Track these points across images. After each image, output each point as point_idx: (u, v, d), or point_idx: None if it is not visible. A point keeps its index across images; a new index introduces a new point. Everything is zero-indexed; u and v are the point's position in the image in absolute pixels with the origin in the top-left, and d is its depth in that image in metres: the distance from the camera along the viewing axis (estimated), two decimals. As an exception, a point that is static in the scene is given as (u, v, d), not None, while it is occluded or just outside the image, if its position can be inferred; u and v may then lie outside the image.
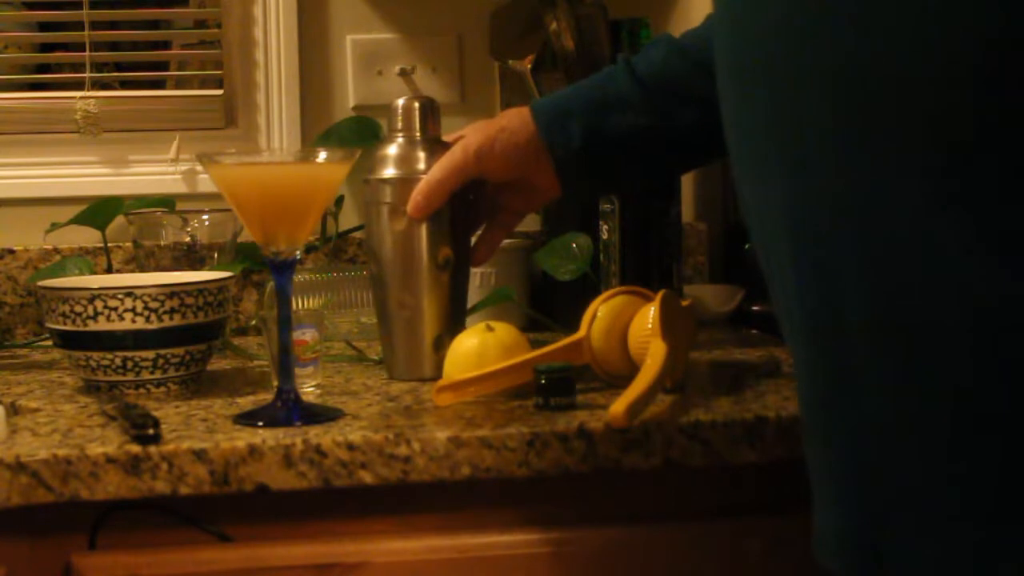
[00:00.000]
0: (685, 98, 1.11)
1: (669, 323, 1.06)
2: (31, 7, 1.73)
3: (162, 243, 1.41)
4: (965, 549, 0.70)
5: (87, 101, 1.60)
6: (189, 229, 1.41)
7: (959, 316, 0.67)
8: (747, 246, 1.48)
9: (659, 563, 1.03)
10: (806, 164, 0.73)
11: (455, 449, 0.97)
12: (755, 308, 1.47)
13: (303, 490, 0.96)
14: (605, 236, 1.37)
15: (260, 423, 1.00)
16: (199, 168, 1.59)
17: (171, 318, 1.13)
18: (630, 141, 1.12)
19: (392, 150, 1.18)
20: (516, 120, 1.13)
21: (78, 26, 1.63)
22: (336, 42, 1.64)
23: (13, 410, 1.13)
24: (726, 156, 0.85)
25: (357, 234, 1.59)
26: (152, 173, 1.61)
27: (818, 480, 0.80)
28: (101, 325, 1.12)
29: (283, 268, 1.04)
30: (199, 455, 0.94)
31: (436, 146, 1.18)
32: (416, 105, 1.18)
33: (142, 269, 1.41)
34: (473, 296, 1.28)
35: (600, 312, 1.11)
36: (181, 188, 1.60)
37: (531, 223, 1.39)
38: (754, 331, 1.44)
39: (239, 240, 1.44)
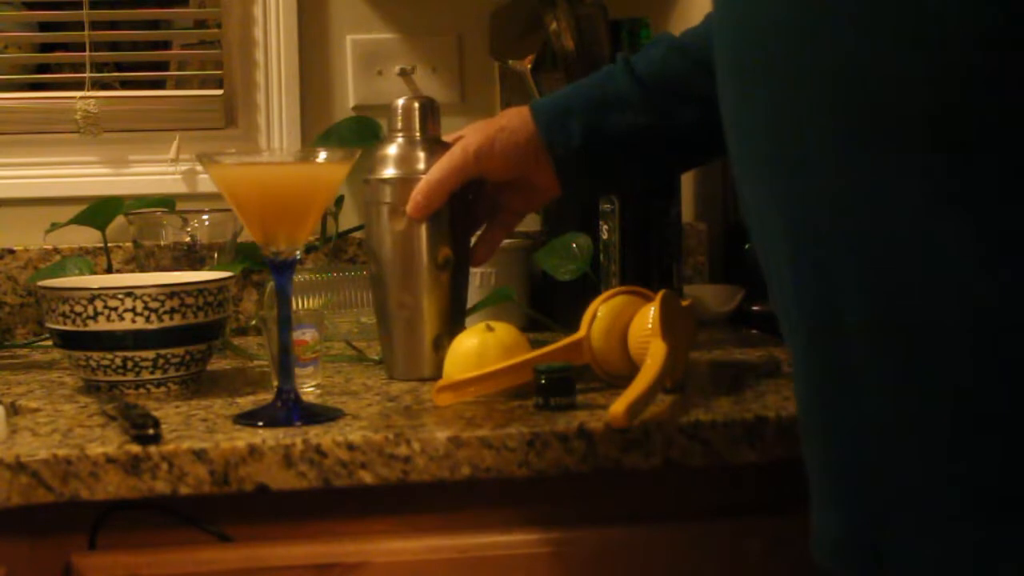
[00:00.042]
0: (685, 97, 1.11)
1: (669, 323, 1.06)
2: (31, 7, 1.73)
3: (162, 243, 1.41)
4: (965, 549, 0.69)
5: (87, 101, 1.60)
6: (189, 229, 1.41)
7: (959, 316, 0.67)
8: (747, 246, 1.48)
9: (659, 563, 1.03)
10: (806, 164, 0.73)
11: (455, 449, 0.97)
12: (755, 308, 1.47)
13: (303, 490, 0.96)
14: (605, 236, 1.37)
15: (260, 423, 1.00)
16: (199, 168, 1.59)
17: (171, 318, 1.13)
18: (630, 140, 1.12)
19: (392, 150, 1.18)
20: (515, 119, 1.13)
21: (78, 26, 1.63)
22: (336, 42, 1.64)
23: (13, 410, 1.13)
24: (726, 155, 0.85)
25: (357, 234, 1.59)
26: (152, 173, 1.61)
27: (817, 480, 0.80)
28: (101, 325, 1.12)
29: (283, 268, 1.04)
30: (199, 455, 0.94)
31: (436, 146, 1.18)
32: (416, 105, 1.18)
33: (142, 269, 1.41)
34: (473, 296, 1.28)
35: (600, 312, 1.11)
36: (181, 188, 1.60)
37: (531, 223, 1.39)
38: (754, 331, 1.44)
39: (239, 240, 1.44)
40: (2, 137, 1.60)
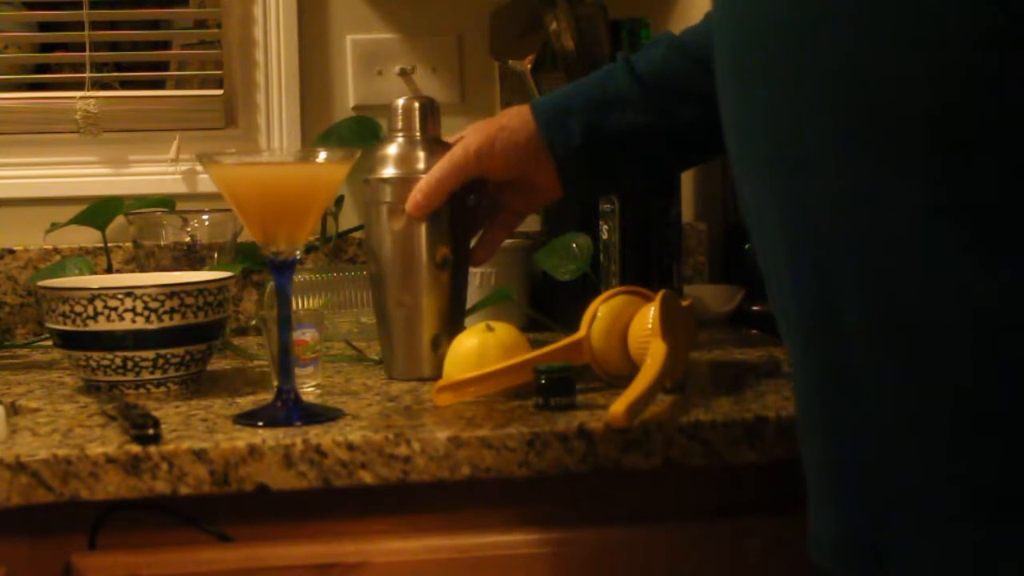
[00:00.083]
0: (685, 95, 1.11)
1: (669, 323, 1.06)
2: (31, 7, 1.73)
3: (162, 243, 1.41)
4: (965, 549, 0.69)
5: (87, 101, 1.60)
6: (189, 229, 1.41)
7: (959, 316, 0.67)
8: (747, 246, 1.48)
9: (659, 563, 1.03)
10: (806, 164, 0.73)
11: (455, 449, 0.97)
12: (755, 308, 1.47)
13: (303, 490, 0.96)
14: (605, 236, 1.37)
15: (260, 423, 1.00)
16: (199, 168, 1.59)
17: (171, 318, 1.13)
18: (630, 139, 1.12)
19: (392, 150, 1.18)
20: (516, 119, 1.13)
21: (78, 26, 1.63)
22: (336, 42, 1.64)
23: (13, 410, 1.13)
24: (726, 154, 0.85)
25: (357, 234, 1.59)
26: (152, 173, 1.61)
27: (815, 480, 0.80)
28: (101, 325, 1.12)
29: (283, 268, 1.04)
30: (199, 455, 0.94)
31: (436, 146, 1.18)
32: (416, 105, 1.18)
33: (142, 269, 1.41)
34: (473, 296, 1.28)
35: (600, 312, 1.11)
36: (181, 188, 1.60)
37: (531, 223, 1.38)
38: (754, 331, 1.44)
39: (239, 240, 1.44)
40: (2, 137, 1.60)
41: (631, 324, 1.10)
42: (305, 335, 1.14)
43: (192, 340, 1.15)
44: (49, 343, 1.34)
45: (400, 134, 1.18)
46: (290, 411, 1.02)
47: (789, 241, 0.77)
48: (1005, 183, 0.66)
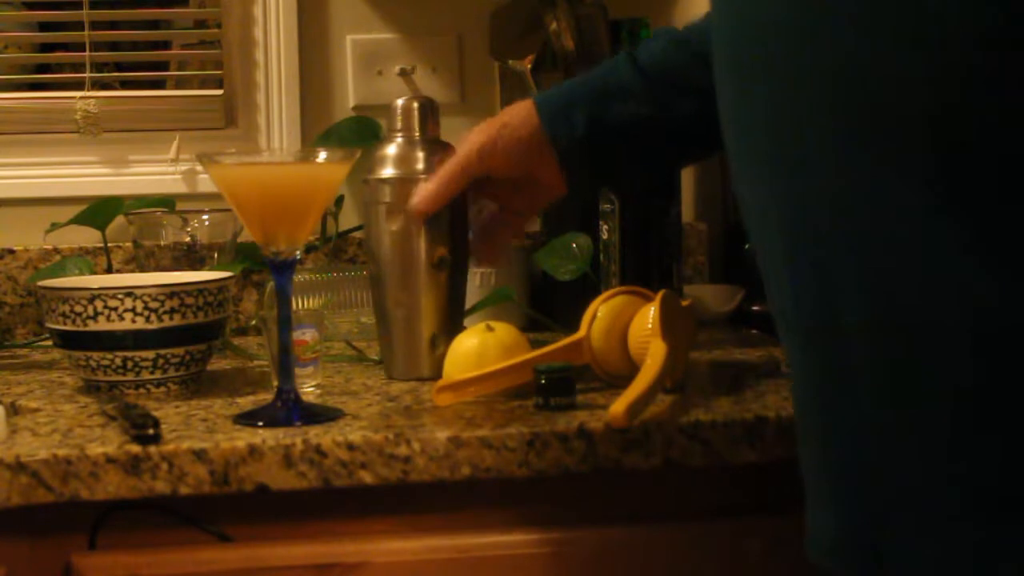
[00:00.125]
0: (684, 88, 1.10)
1: (669, 323, 1.06)
2: (31, 7, 1.73)
3: (162, 243, 1.41)
4: (965, 549, 0.69)
5: (87, 101, 1.60)
6: (189, 229, 1.41)
7: (959, 316, 0.67)
8: (747, 246, 1.48)
9: (659, 563, 1.03)
10: (806, 164, 0.73)
11: (455, 449, 0.97)
12: (755, 308, 1.47)
13: (303, 490, 0.96)
14: (605, 236, 1.37)
15: (260, 423, 1.00)
16: (199, 168, 1.59)
17: (171, 318, 1.13)
18: (632, 131, 1.11)
19: (391, 150, 1.18)
20: (518, 115, 1.12)
21: (78, 26, 1.63)
22: (336, 42, 1.64)
23: (13, 410, 1.13)
24: (725, 151, 0.85)
25: (357, 234, 1.59)
26: (152, 173, 1.61)
27: (814, 480, 0.80)
28: (101, 325, 1.12)
29: (283, 268, 1.04)
30: (199, 455, 0.94)
31: (435, 146, 1.18)
32: (415, 105, 1.18)
33: (142, 269, 1.42)
34: (473, 296, 1.28)
35: (600, 312, 1.11)
36: (181, 188, 1.60)
37: (531, 223, 1.38)
38: (754, 331, 1.44)
39: (239, 240, 1.44)
40: (2, 137, 1.60)
41: (631, 324, 1.10)
42: (305, 335, 1.14)
43: (192, 340, 1.15)
44: (49, 343, 1.34)
45: (399, 134, 1.18)
46: (290, 411, 1.02)
47: (788, 241, 0.77)
48: (1005, 183, 0.66)
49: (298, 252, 1.05)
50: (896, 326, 0.70)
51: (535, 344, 1.12)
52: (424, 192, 1.13)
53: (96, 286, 1.13)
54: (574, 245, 1.37)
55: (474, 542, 1.01)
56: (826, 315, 0.74)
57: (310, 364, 1.14)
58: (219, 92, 1.64)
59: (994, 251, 0.66)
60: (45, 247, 1.54)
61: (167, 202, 1.51)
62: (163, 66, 1.76)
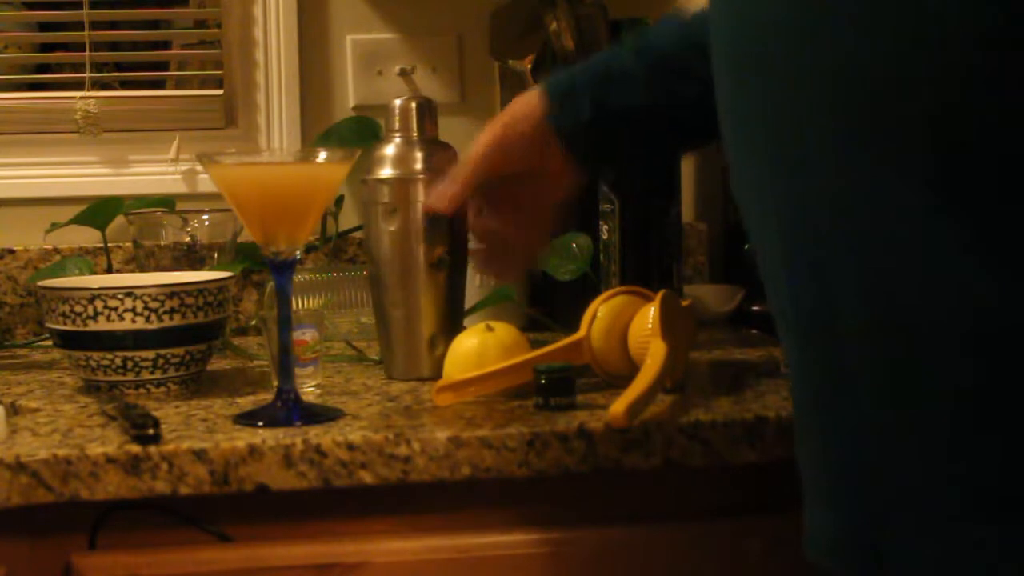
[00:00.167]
0: (687, 75, 1.09)
1: (669, 323, 1.06)
2: (31, 7, 1.73)
3: (162, 243, 1.41)
4: (965, 549, 0.69)
5: (87, 101, 1.60)
6: (189, 229, 1.41)
7: (959, 316, 0.67)
8: (747, 246, 1.48)
9: (659, 563, 1.03)
10: (806, 164, 0.73)
11: (455, 449, 0.97)
12: (755, 308, 1.47)
13: (303, 490, 0.96)
14: (605, 236, 1.37)
15: (260, 423, 1.00)
16: (199, 168, 1.59)
17: (171, 318, 1.13)
18: (635, 116, 1.10)
19: (390, 150, 1.18)
20: (523, 109, 1.10)
21: (78, 26, 1.63)
22: (336, 42, 1.64)
23: (13, 410, 1.13)
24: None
25: (357, 234, 1.59)
26: (152, 173, 1.61)
27: (812, 479, 0.80)
28: (101, 325, 1.12)
29: (283, 268, 1.04)
30: (199, 455, 0.94)
31: (434, 147, 1.18)
32: (413, 105, 1.18)
33: (142, 269, 1.42)
34: (473, 296, 1.28)
35: (600, 312, 1.11)
36: (181, 188, 1.60)
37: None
38: (754, 331, 1.44)
39: (239, 240, 1.44)
40: (2, 137, 1.60)
41: (631, 324, 1.10)
42: (305, 335, 1.14)
43: (192, 340, 1.15)
44: (49, 343, 1.34)
45: (398, 135, 1.18)
46: (290, 411, 1.02)
47: (787, 241, 0.77)
48: (1005, 183, 0.66)
49: (298, 252, 1.05)
50: (896, 326, 0.70)
51: (535, 344, 1.12)
52: (440, 193, 1.12)
53: (96, 286, 1.13)
54: (574, 245, 1.37)
55: (474, 542, 1.01)
56: (826, 315, 0.74)
57: (310, 364, 1.15)
58: (219, 92, 1.64)
59: (994, 251, 0.66)
60: (45, 247, 1.54)
61: (167, 202, 1.51)
62: (163, 66, 1.76)
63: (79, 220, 1.47)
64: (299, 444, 0.95)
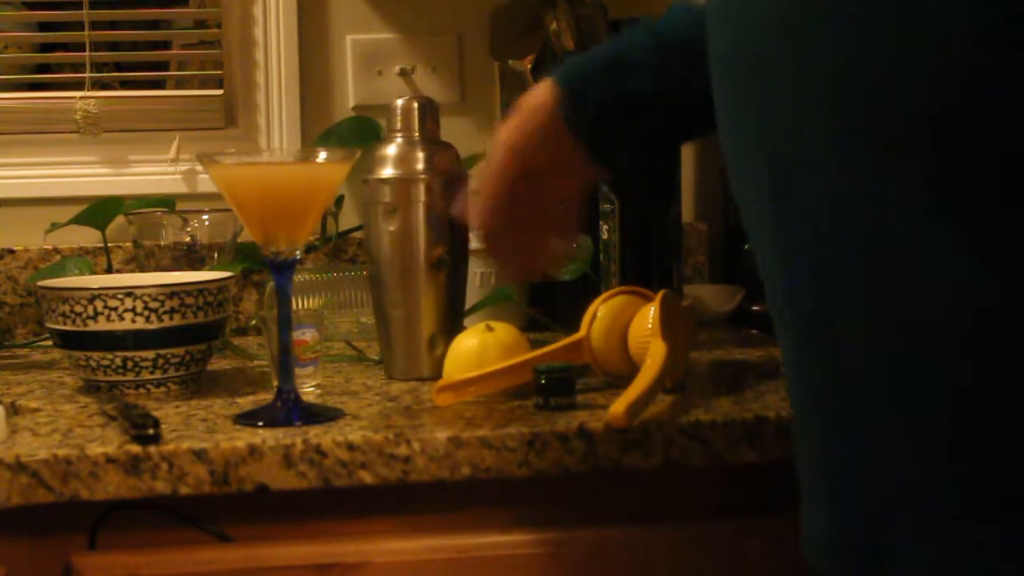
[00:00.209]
0: (698, 61, 1.08)
1: (669, 323, 1.06)
2: (31, 7, 1.73)
3: (162, 243, 1.41)
4: (965, 549, 0.69)
5: (87, 101, 1.60)
6: (189, 229, 1.41)
7: (959, 316, 0.67)
8: (747, 246, 1.48)
9: (659, 563, 1.03)
10: (806, 164, 0.73)
11: (455, 449, 0.97)
12: (755, 308, 1.47)
13: (303, 490, 0.96)
14: (605, 236, 1.37)
15: (260, 423, 1.00)
16: (199, 168, 1.59)
17: (171, 318, 1.13)
18: (646, 103, 1.07)
19: (391, 150, 1.18)
20: (535, 100, 1.07)
21: (78, 26, 1.63)
22: (336, 42, 1.64)
23: (13, 410, 1.13)
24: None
25: (357, 234, 1.59)
26: (152, 173, 1.61)
27: (810, 479, 0.80)
28: (101, 325, 1.12)
29: (283, 268, 1.04)
30: (199, 455, 0.94)
31: (435, 146, 1.18)
32: (415, 105, 1.18)
33: (142, 269, 1.42)
34: (473, 296, 1.28)
35: (600, 312, 1.11)
36: (181, 188, 1.60)
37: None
38: (754, 331, 1.44)
39: (239, 240, 1.44)
40: (2, 137, 1.60)
41: (631, 324, 1.10)
42: (305, 335, 1.14)
43: (192, 340, 1.15)
44: (49, 343, 1.34)
45: (399, 134, 1.18)
46: (290, 411, 1.02)
47: (787, 241, 0.77)
48: (1005, 183, 0.66)
49: (298, 252, 1.05)
50: (896, 326, 0.70)
51: (535, 344, 1.12)
52: (478, 211, 1.07)
53: (96, 286, 1.14)
54: (574, 245, 1.37)
55: (474, 542, 1.01)
56: (825, 315, 0.74)
57: (310, 364, 1.15)
58: (219, 92, 1.64)
59: (994, 251, 0.66)
60: (45, 247, 1.54)
61: (167, 202, 1.51)
62: (163, 66, 1.76)
63: (79, 220, 1.47)
64: (299, 444, 0.95)
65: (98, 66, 1.68)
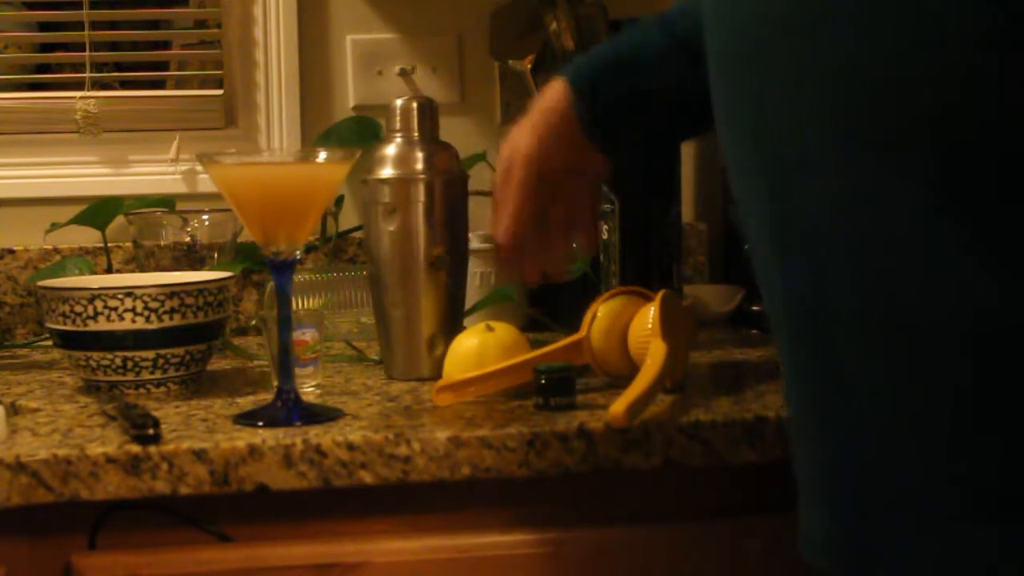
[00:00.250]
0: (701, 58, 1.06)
1: (669, 323, 1.06)
2: (31, 7, 1.73)
3: (162, 243, 1.41)
4: (965, 549, 0.69)
5: (87, 101, 1.60)
6: (189, 229, 1.41)
7: (959, 316, 0.67)
8: (747, 246, 1.47)
9: (659, 563, 1.03)
10: (806, 164, 0.73)
11: (455, 449, 0.97)
12: (755, 308, 1.47)
13: (303, 490, 0.96)
14: (605, 236, 1.37)
15: (260, 423, 1.00)
16: (199, 168, 1.59)
17: (171, 318, 1.13)
18: (657, 100, 1.07)
19: (390, 150, 1.18)
20: (549, 102, 1.06)
21: (78, 26, 1.63)
22: (336, 42, 1.64)
23: (13, 410, 1.13)
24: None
25: (357, 234, 1.59)
26: (152, 173, 1.61)
27: (808, 479, 0.80)
28: (101, 325, 1.12)
29: (283, 268, 1.04)
30: (199, 455, 0.94)
31: (435, 147, 1.18)
32: (414, 105, 1.18)
33: (142, 269, 1.42)
34: (473, 296, 1.28)
35: (600, 312, 1.11)
36: (181, 188, 1.60)
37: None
38: (754, 331, 1.44)
39: (239, 240, 1.44)
40: (2, 137, 1.60)
41: (631, 324, 1.10)
42: (305, 335, 1.14)
43: (192, 340, 1.15)
44: (49, 343, 1.34)
45: (398, 135, 1.18)
46: (290, 411, 1.02)
47: (786, 241, 0.76)
48: (1005, 183, 0.66)
49: (298, 252, 1.05)
50: (895, 326, 0.70)
51: (535, 344, 1.12)
52: (502, 227, 1.05)
53: (96, 286, 1.14)
54: (574, 245, 1.37)
55: (474, 542, 1.01)
56: (825, 315, 0.74)
57: (310, 364, 1.15)
58: (219, 92, 1.64)
59: (994, 251, 0.66)
60: (45, 247, 1.54)
61: (167, 202, 1.51)
62: (163, 66, 1.76)
63: (79, 220, 1.47)
64: (299, 444, 0.95)
65: (98, 66, 1.68)
